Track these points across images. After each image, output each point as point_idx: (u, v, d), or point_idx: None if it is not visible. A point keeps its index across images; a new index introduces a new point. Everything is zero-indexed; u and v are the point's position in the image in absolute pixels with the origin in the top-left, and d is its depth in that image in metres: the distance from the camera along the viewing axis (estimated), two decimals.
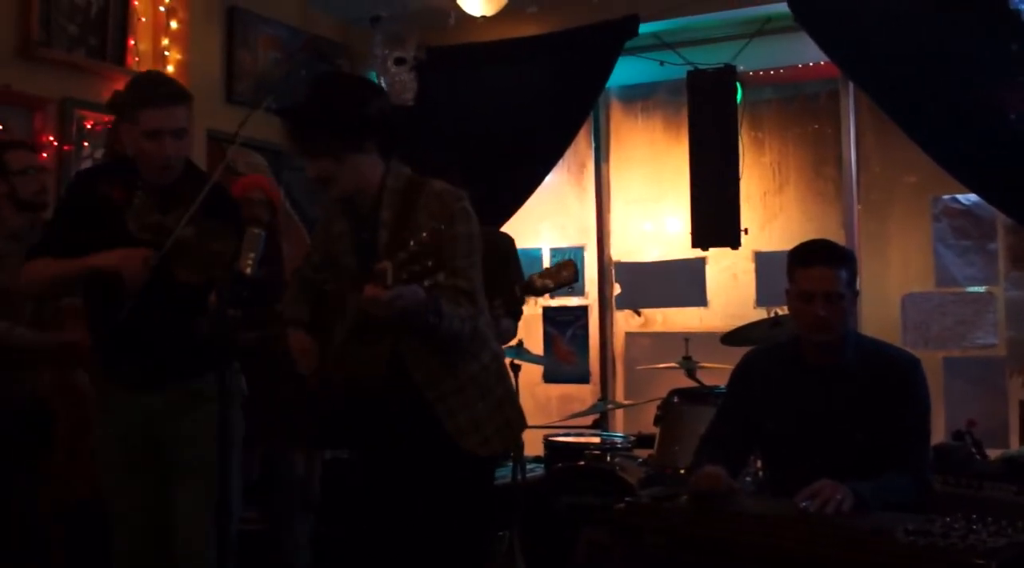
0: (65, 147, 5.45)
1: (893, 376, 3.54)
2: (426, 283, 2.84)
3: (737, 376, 3.89)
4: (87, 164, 5.41)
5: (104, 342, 3.63)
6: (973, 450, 4.83)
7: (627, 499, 3.43)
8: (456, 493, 3.21)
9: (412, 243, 2.81)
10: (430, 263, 2.80)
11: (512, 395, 3.38)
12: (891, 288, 6.68)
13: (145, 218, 3.51)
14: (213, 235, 3.29)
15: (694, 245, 6.73)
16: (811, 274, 3.55)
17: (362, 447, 3.40)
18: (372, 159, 3.16)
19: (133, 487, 3.62)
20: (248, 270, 3.19)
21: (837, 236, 6.56)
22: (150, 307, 3.43)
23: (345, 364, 3.18)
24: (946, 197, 6.53)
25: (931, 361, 6.07)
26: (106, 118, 5.61)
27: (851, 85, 6.64)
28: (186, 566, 3.59)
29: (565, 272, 5.08)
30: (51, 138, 5.39)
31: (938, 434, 4.84)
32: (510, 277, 5.09)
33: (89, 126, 5.57)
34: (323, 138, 3.10)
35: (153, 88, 3.52)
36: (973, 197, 6.28)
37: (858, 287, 3.68)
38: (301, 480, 5.04)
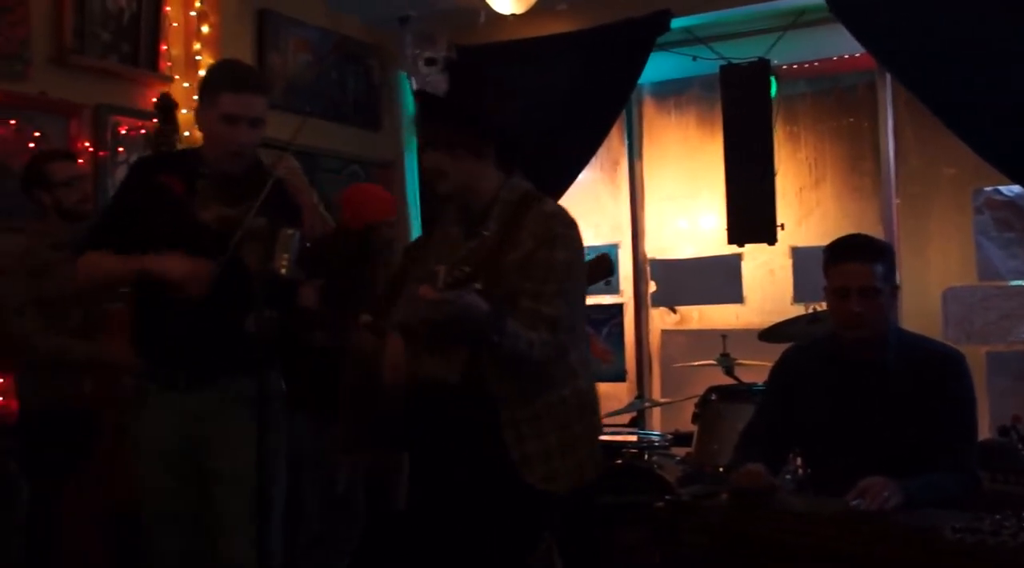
0: (100, 153, 5.46)
1: (936, 372, 3.49)
2: (470, 290, 2.80)
3: (776, 373, 3.85)
4: (122, 170, 5.41)
5: (146, 340, 3.61)
6: (1020, 446, 4.76)
7: (667, 497, 3.41)
8: (508, 524, 3.13)
9: (464, 250, 2.80)
10: (467, 269, 2.78)
11: (592, 437, 3.25)
12: (932, 282, 6.60)
13: (216, 209, 3.49)
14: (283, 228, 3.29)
15: (730, 241, 6.67)
16: (845, 269, 3.51)
17: (422, 452, 3.35)
18: (488, 167, 3.15)
19: (171, 491, 3.58)
20: (283, 271, 3.19)
21: (875, 231, 6.49)
22: (197, 304, 3.43)
23: (420, 366, 3.15)
24: (988, 189, 6.44)
25: (974, 356, 5.99)
26: (139, 123, 5.62)
27: (888, 77, 6.55)
28: None
29: (600, 270, 5.06)
30: (86, 144, 5.41)
31: (983, 430, 4.76)
32: None
33: (124, 131, 5.59)
34: (444, 132, 3.10)
35: (236, 74, 3.54)
36: (1016, 188, 6.19)
37: (898, 282, 3.62)
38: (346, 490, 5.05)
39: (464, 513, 3.14)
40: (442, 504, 3.22)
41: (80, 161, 4.93)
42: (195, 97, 5.57)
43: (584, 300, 3.29)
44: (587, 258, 5.67)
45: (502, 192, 3.15)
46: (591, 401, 3.26)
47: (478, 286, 2.80)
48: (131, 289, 3.70)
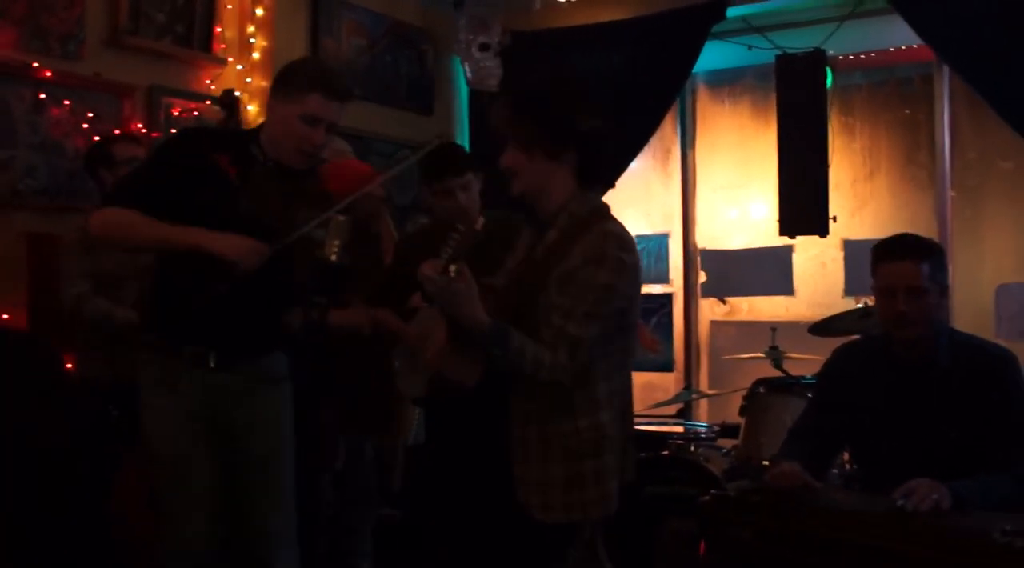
0: (153, 134, 5.49)
1: (989, 372, 3.45)
2: (458, 278, 2.73)
3: (827, 370, 3.82)
4: None
5: (172, 319, 3.53)
6: None
7: (713, 492, 3.38)
8: (502, 541, 3.08)
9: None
10: (448, 251, 2.74)
11: (604, 477, 2.96)
12: (985, 278, 6.53)
13: (270, 203, 3.44)
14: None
15: (781, 233, 6.64)
16: (891, 269, 3.47)
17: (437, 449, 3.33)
18: (564, 174, 3.01)
19: (199, 469, 3.50)
20: (333, 257, 3.19)
21: (929, 224, 6.46)
22: (241, 290, 3.38)
23: (445, 364, 3.12)
24: None
25: None
26: (192, 105, 5.65)
27: (945, 69, 6.49)
28: (263, 555, 3.57)
29: None
30: (139, 125, 5.44)
31: None
32: None
33: (176, 113, 5.62)
34: (527, 131, 2.99)
35: (330, 79, 3.48)
36: None
37: (947, 281, 3.58)
38: (373, 468, 5.06)
39: (467, 520, 3.13)
40: (449, 507, 3.20)
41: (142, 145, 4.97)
42: (255, 83, 5.67)
43: (626, 331, 3.05)
44: (640, 247, 5.61)
45: (571, 203, 3.02)
46: (610, 438, 2.98)
47: (454, 269, 2.72)
48: (156, 267, 3.64)
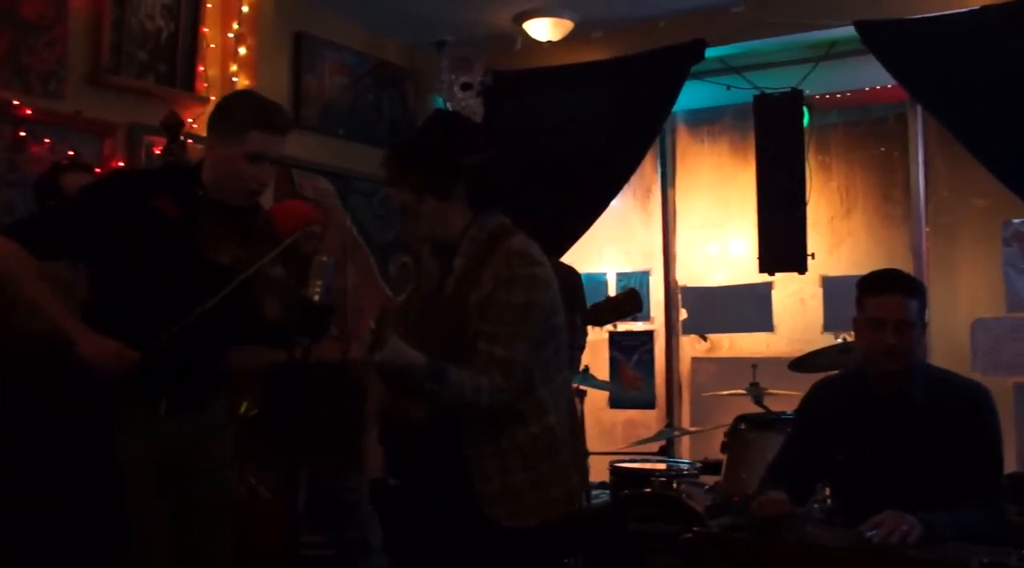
0: None
1: (963, 406, 3.48)
2: (389, 344, 2.80)
3: (805, 405, 3.85)
4: None
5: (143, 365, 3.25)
6: None
7: (695, 529, 3.40)
8: (475, 559, 3.05)
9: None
10: (372, 326, 2.80)
11: (562, 472, 3.08)
12: (960, 313, 6.58)
13: (221, 243, 3.34)
14: (301, 278, 3.26)
15: (761, 270, 6.69)
16: (882, 302, 3.50)
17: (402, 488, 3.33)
18: (458, 206, 3.07)
19: (161, 513, 3.35)
20: (316, 297, 3.20)
21: (905, 260, 6.51)
22: (194, 336, 3.27)
23: (390, 404, 3.14)
24: (1017, 221, 6.40)
25: (1002, 388, 5.99)
26: None
27: (919, 108, 6.56)
28: None
29: (629, 304, 5.09)
30: (120, 164, 5.44)
31: (1009, 463, 4.73)
32: (574, 309, 5.04)
33: (158, 152, 5.61)
34: (413, 177, 3.05)
35: (267, 112, 3.38)
36: None
37: (927, 319, 3.63)
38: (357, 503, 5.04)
39: (437, 550, 3.12)
40: (419, 540, 3.21)
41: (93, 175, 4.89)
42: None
43: (554, 334, 3.09)
44: (619, 286, 5.67)
45: (471, 229, 3.07)
46: (562, 437, 3.09)
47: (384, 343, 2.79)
48: (92, 302, 3.43)
